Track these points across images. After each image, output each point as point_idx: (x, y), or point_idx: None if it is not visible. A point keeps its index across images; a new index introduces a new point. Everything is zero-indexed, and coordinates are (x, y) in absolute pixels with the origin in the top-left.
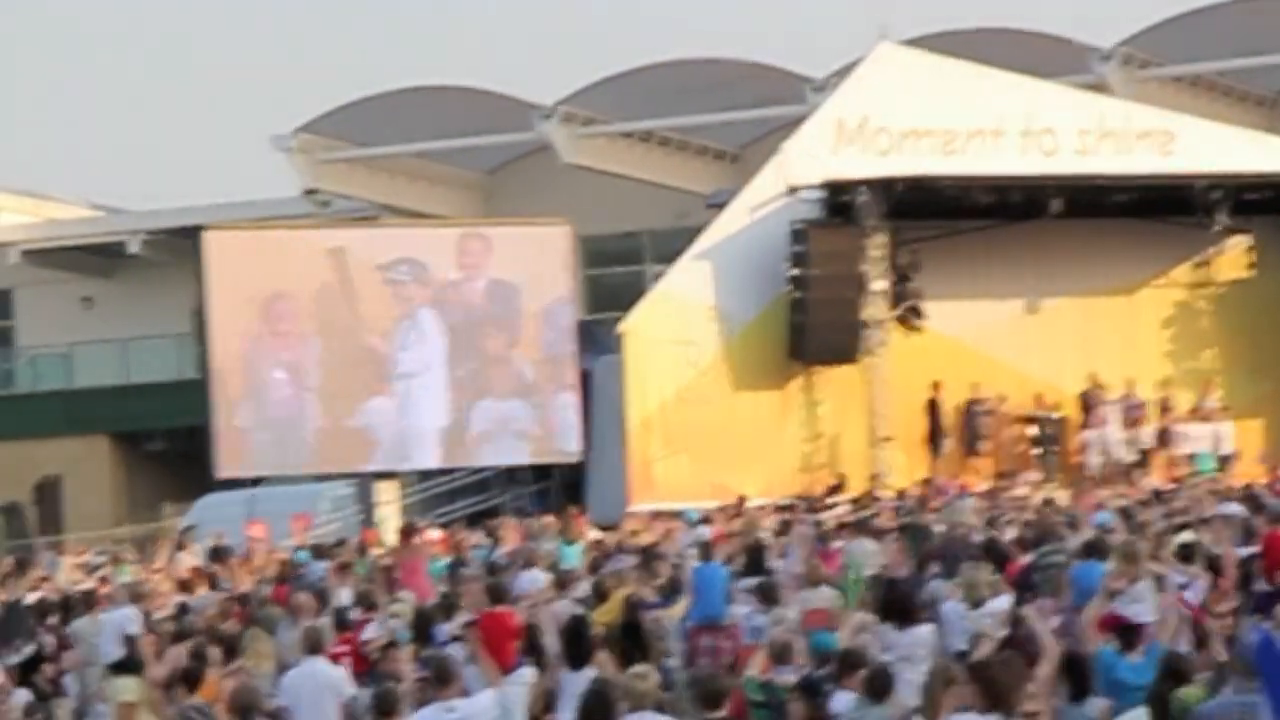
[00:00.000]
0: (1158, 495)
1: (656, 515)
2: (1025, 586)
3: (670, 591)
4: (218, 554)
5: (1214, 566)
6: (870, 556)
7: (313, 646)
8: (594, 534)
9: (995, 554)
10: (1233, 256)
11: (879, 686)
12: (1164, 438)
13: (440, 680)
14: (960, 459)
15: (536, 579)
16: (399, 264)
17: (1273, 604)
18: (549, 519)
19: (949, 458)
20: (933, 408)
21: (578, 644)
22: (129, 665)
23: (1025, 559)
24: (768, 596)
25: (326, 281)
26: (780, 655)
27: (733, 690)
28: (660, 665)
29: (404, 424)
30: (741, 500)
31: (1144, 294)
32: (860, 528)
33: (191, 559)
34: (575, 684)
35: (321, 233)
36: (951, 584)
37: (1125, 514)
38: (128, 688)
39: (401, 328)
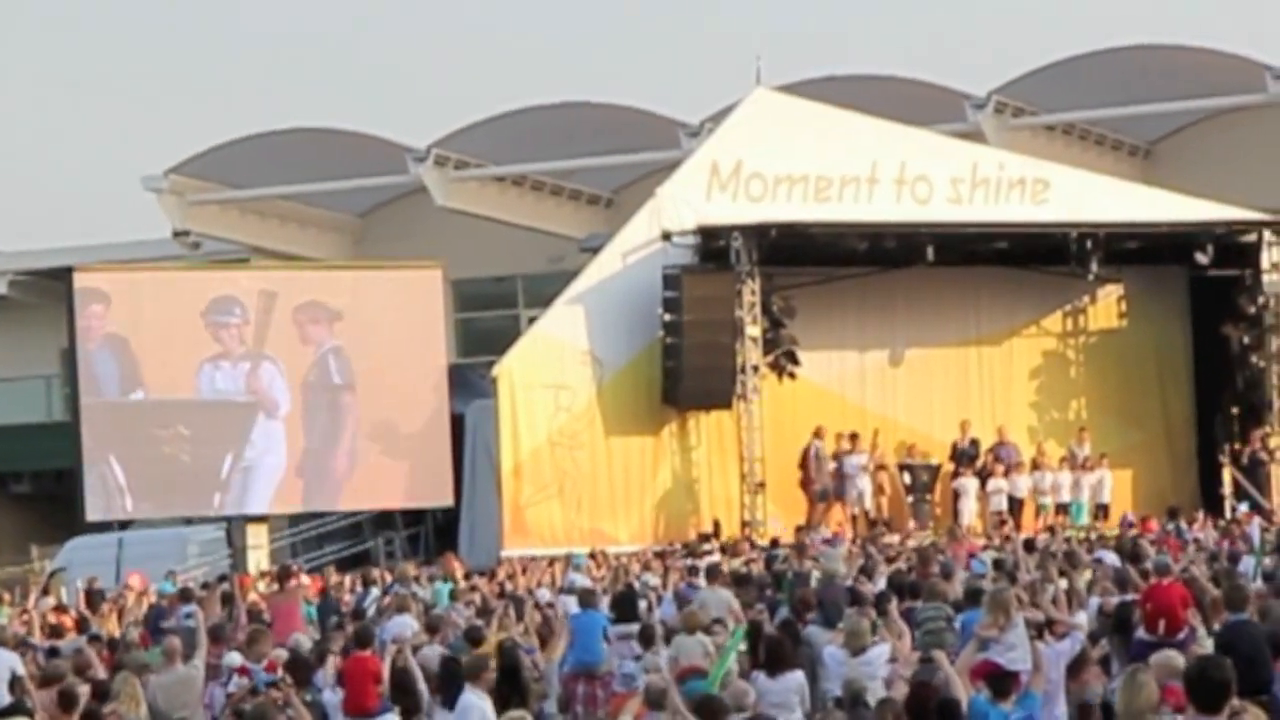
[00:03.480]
0: (1029, 544)
1: (531, 559)
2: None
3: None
4: (90, 598)
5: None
6: (726, 604)
7: None
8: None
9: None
10: (1104, 306)
11: None
12: (1037, 487)
13: None
14: (831, 506)
15: (408, 624)
16: (234, 309)
17: (1152, 653)
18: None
19: (820, 505)
20: (805, 456)
21: (451, 684)
22: (19, 707)
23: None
24: (651, 642)
25: (192, 323)
26: (656, 702)
27: None
28: (536, 710)
29: (272, 467)
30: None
31: (1015, 342)
32: (715, 575)
33: (54, 603)
34: None
35: (192, 275)
36: (831, 631)
37: (998, 563)
38: None
39: (268, 370)
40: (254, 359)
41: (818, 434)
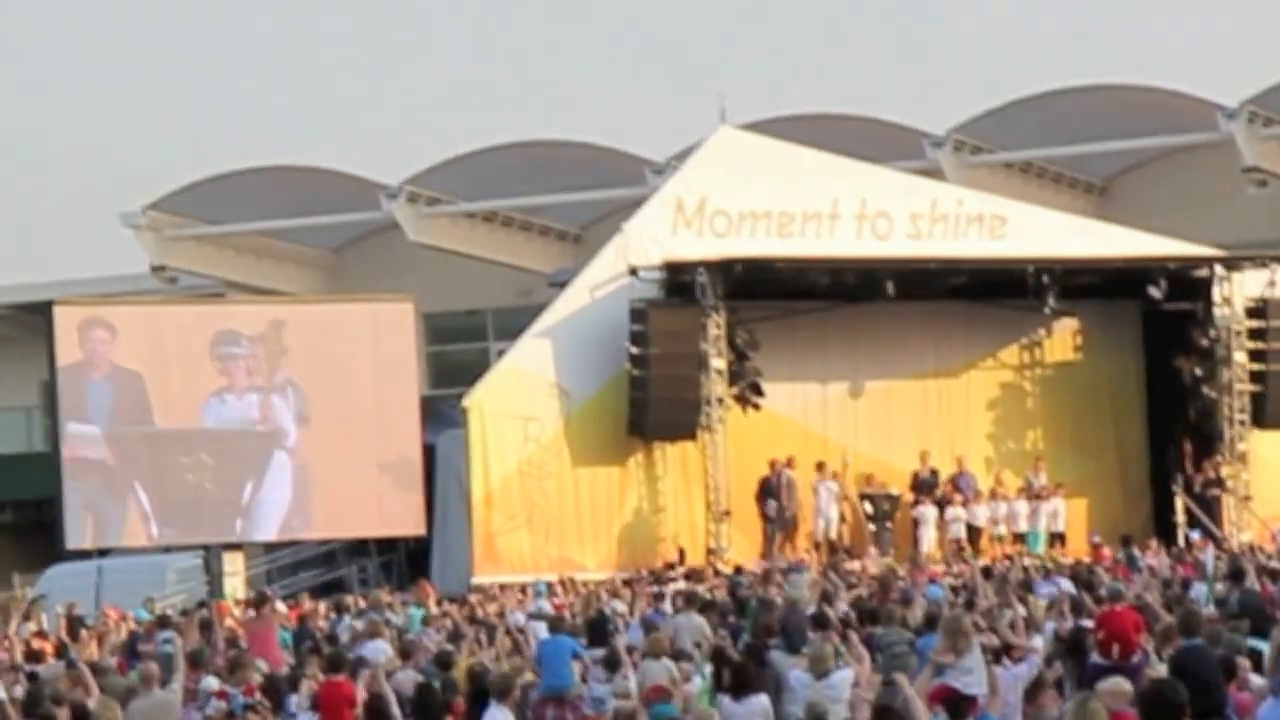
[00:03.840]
0: (987, 571)
1: (503, 587)
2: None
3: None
4: (71, 625)
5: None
6: (699, 630)
7: None
8: None
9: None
10: (1061, 339)
11: None
12: (994, 515)
13: None
14: (795, 533)
15: (382, 649)
16: (238, 341)
17: (1105, 677)
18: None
19: (784, 532)
20: (767, 483)
21: (427, 710)
22: None
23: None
24: (615, 667)
25: (172, 355)
26: None
27: None
28: None
29: (247, 497)
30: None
31: (973, 375)
32: (690, 600)
33: (36, 629)
34: None
35: (170, 309)
36: (795, 656)
37: (956, 590)
38: None
39: (244, 402)
40: (261, 391)
41: (789, 463)
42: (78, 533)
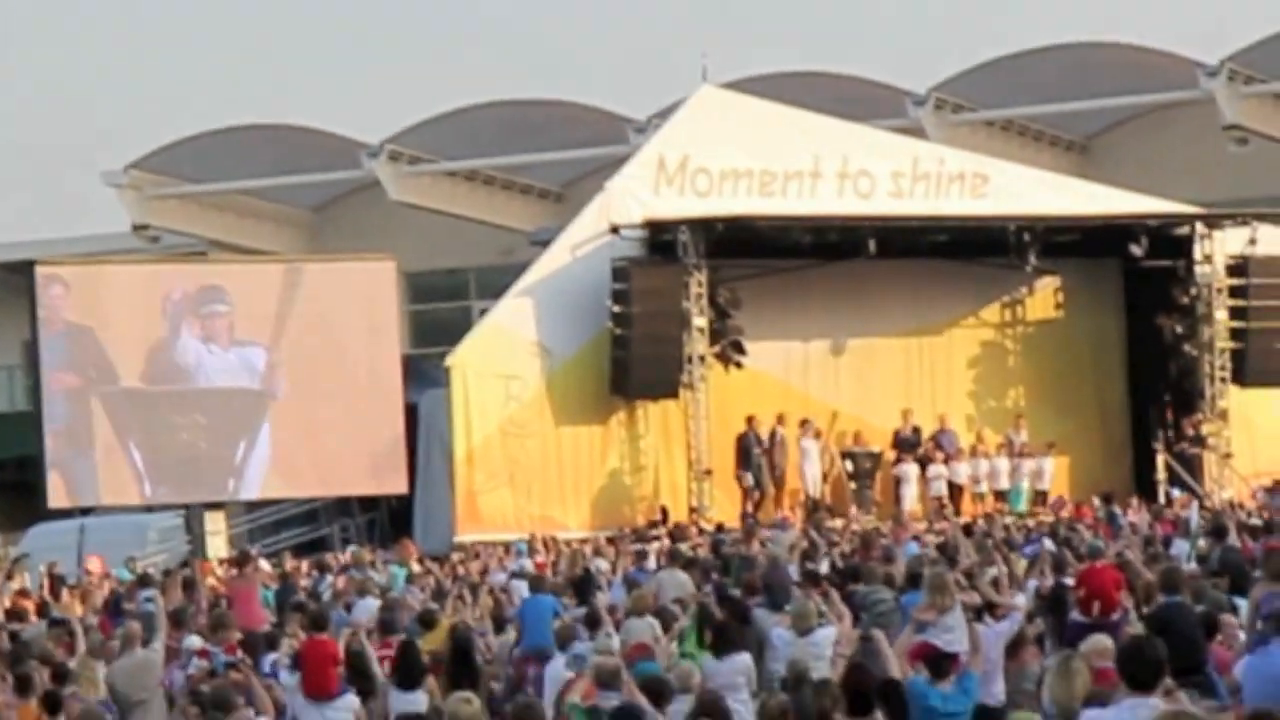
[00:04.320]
0: (968, 529)
1: (484, 546)
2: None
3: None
4: (53, 584)
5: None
6: (682, 586)
7: None
8: None
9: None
10: (1042, 297)
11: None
12: (975, 473)
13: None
14: (782, 492)
15: (371, 607)
16: (222, 299)
17: (1086, 634)
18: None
19: (765, 490)
20: (747, 441)
21: (409, 667)
22: None
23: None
24: (596, 625)
25: (154, 314)
26: (608, 681)
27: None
28: (491, 692)
29: (240, 456)
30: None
31: (954, 333)
32: (673, 557)
33: (18, 588)
34: (405, 705)
35: (151, 268)
36: (778, 614)
37: (940, 548)
38: None
39: (225, 360)
40: (245, 348)
41: (780, 421)
42: (60, 491)
